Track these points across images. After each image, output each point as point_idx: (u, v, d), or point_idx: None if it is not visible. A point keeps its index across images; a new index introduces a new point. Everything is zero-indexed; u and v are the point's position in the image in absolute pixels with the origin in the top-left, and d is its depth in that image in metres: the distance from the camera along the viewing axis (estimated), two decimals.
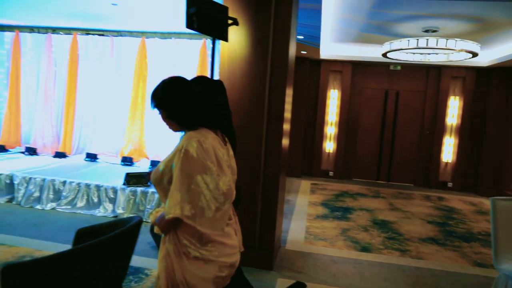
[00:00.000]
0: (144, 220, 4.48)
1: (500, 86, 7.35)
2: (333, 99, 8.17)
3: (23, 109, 6.90)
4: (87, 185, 4.82)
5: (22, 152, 6.52)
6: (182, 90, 1.63)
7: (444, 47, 4.88)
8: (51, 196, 4.89)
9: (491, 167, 7.45)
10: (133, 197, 4.69)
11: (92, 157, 6.28)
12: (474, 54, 5.12)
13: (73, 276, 1.70)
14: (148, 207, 4.61)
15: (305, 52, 7.30)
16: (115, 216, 4.65)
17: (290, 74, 3.53)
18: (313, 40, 6.17)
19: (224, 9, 3.01)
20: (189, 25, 2.76)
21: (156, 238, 3.70)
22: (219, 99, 1.95)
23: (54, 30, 6.63)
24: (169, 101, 1.60)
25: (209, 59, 2.97)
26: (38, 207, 4.85)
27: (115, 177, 5.05)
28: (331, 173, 8.24)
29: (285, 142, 3.65)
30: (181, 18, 2.76)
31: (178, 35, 6.26)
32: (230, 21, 3.06)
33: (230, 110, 2.08)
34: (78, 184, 4.84)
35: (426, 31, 5.30)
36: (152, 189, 4.65)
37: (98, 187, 4.79)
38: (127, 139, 6.53)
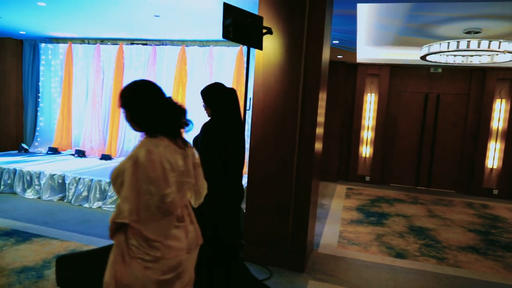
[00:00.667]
0: None
1: None
2: (370, 103, 8.06)
3: (74, 114, 7.43)
4: None
5: (72, 154, 7.04)
6: (149, 95, 1.61)
7: (487, 49, 4.70)
8: (97, 195, 5.25)
9: None
10: None
11: None
12: None
13: None
14: None
15: (341, 56, 7.28)
16: None
17: (323, 79, 3.59)
18: (349, 44, 6.16)
19: (259, 19, 3.14)
20: (225, 35, 2.91)
21: None
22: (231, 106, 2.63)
23: (102, 41, 7.12)
24: (134, 104, 1.59)
25: (245, 65, 3.11)
26: (86, 205, 5.24)
27: None
28: (367, 178, 8.12)
29: (318, 146, 3.70)
30: (218, 27, 2.92)
31: (216, 42, 6.49)
32: (264, 30, 3.18)
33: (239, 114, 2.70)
34: None
35: (468, 32, 5.12)
36: None
37: None
38: None
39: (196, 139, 2.66)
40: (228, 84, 6.35)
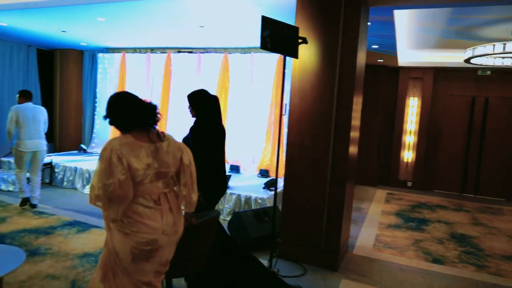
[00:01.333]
0: (222, 218, 4.99)
1: None
2: (413, 107, 7.91)
3: None
4: None
5: None
6: (115, 103, 1.99)
7: None
8: None
9: None
10: None
11: None
12: None
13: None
14: (227, 206, 5.10)
15: (381, 60, 7.25)
16: None
17: (357, 84, 3.70)
18: (389, 48, 6.15)
19: (295, 29, 3.34)
20: (263, 46, 3.14)
21: (232, 229, 4.14)
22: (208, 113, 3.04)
23: (152, 49, 7.66)
24: (108, 111, 2.01)
25: (282, 73, 3.35)
26: None
27: None
28: (409, 183, 7.96)
29: (353, 149, 3.81)
30: (258, 35, 3.16)
31: (257, 49, 6.75)
32: (300, 40, 3.37)
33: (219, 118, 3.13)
34: None
35: None
36: (229, 191, 5.12)
37: None
38: None
39: (185, 140, 2.95)
40: (269, 89, 6.59)
